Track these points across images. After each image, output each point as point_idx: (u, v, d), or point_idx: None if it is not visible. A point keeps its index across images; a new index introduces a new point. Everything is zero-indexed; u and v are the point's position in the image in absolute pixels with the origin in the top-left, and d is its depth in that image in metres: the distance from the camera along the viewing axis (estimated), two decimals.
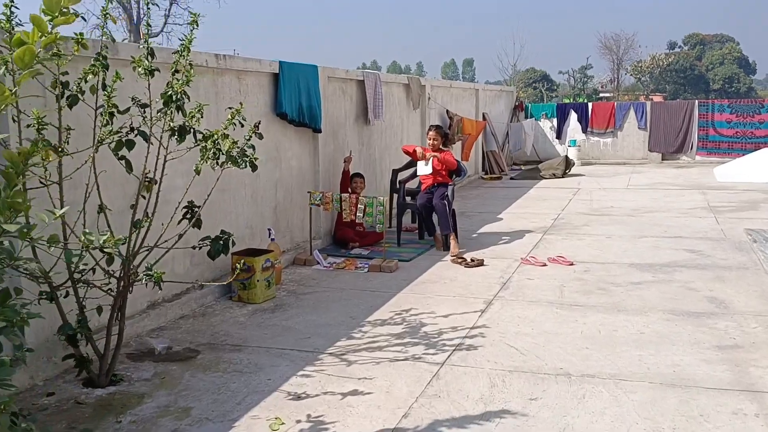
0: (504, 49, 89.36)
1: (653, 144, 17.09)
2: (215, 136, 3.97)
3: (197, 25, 4.19)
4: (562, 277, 6.39)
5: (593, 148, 17.64)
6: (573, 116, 17.67)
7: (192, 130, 4.04)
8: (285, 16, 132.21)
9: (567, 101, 39.42)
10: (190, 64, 4.23)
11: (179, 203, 4.39)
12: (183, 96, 3.90)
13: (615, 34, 62.38)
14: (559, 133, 17.77)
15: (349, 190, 7.73)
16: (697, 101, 17.06)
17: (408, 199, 8.55)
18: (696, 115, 16.70)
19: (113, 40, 4.08)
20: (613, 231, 8.48)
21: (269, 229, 6.29)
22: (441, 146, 7.88)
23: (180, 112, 3.94)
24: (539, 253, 7.33)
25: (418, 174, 7.84)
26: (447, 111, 12.03)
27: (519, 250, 7.47)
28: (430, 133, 7.82)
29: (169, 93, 3.88)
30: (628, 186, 12.75)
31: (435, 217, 7.67)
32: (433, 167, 7.63)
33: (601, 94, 56.67)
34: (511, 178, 14.34)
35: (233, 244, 4.47)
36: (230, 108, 4.37)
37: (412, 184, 8.67)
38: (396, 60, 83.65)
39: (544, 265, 6.81)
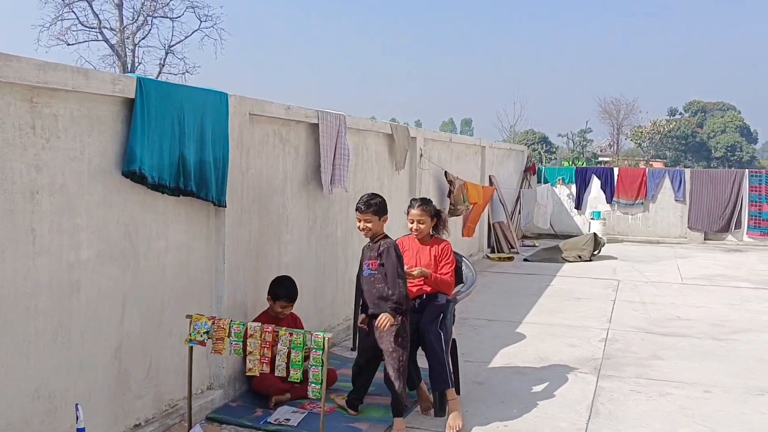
0: (504, 109, 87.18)
1: (694, 220, 14.06)
2: None
3: None
4: None
5: (619, 222, 14.60)
6: (595, 183, 14.70)
7: None
8: (278, 65, 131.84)
9: (566, 164, 36.61)
10: None
11: None
12: None
13: (615, 98, 60.25)
14: (579, 203, 14.76)
15: (270, 312, 4.61)
16: (747, 171, 14.12)
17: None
18: (746, 186, 13.75)
19: None
20: (707, 375, 5.29)
21: (77, 408, 3.08)
22: (434, 231, 4.74)
23: None
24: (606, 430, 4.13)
25: None
26: (446, 173, 8.99)
27: (568, 423, 4.26)
28: (413, 211, 4.60)
29: None
30: (683, 279, 9.60)
31: (421, 348, 4.48)
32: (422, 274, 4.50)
33: (601, 158, 54.53)
34: (525, 259, 11.20)
35: None
36: None
37: None
38: (395, 117, 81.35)
39: None
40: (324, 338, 3.58)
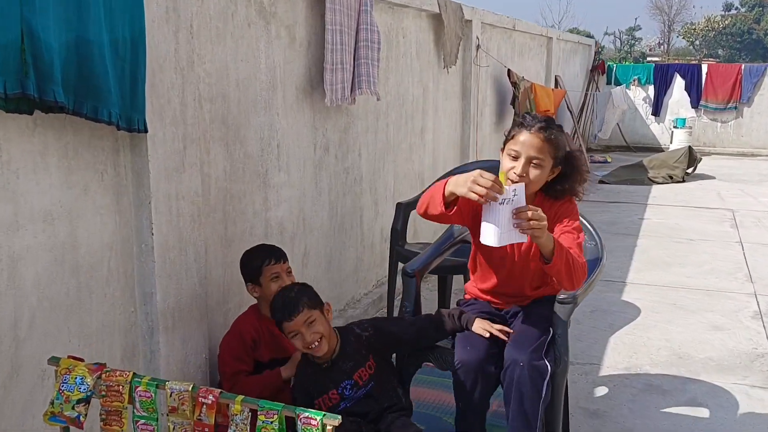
0: (549, 5, 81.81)
1: None
2: None
3: None
4: None
5: (705, 132, 12.22)
6: (678, 83, 12.20)
7: None
8: None
9: (611, 64, 33.27)
10: None
11: None
12: None
13: None
14: (657, 108, 12.34)
15: (261, 312, 2.67)
16: None
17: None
18: None
19: None
20: None
21: None
22: (559, 187, 2.52)
23: None
24: None
25: (482, 242, 2.47)
26: (509, 72, 6.79)
27: None
28: (526, 136, 2.29)
29: None
30: None
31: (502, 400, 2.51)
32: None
33: (649, 58, 50.67)
34: (601, 181, 9.05)
35: None
36: None
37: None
38: None
39: None
40: (321, 424, 1.65)
